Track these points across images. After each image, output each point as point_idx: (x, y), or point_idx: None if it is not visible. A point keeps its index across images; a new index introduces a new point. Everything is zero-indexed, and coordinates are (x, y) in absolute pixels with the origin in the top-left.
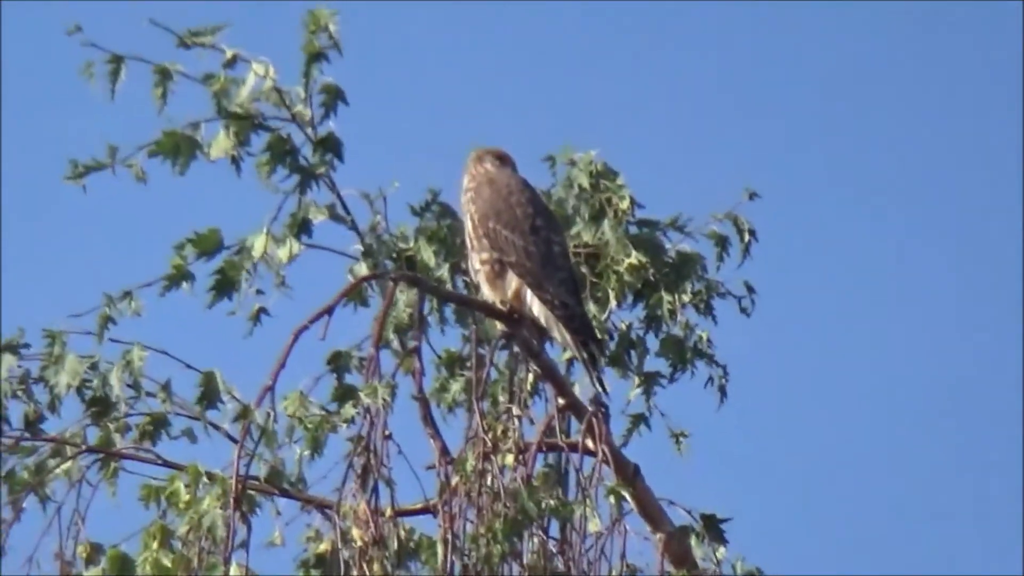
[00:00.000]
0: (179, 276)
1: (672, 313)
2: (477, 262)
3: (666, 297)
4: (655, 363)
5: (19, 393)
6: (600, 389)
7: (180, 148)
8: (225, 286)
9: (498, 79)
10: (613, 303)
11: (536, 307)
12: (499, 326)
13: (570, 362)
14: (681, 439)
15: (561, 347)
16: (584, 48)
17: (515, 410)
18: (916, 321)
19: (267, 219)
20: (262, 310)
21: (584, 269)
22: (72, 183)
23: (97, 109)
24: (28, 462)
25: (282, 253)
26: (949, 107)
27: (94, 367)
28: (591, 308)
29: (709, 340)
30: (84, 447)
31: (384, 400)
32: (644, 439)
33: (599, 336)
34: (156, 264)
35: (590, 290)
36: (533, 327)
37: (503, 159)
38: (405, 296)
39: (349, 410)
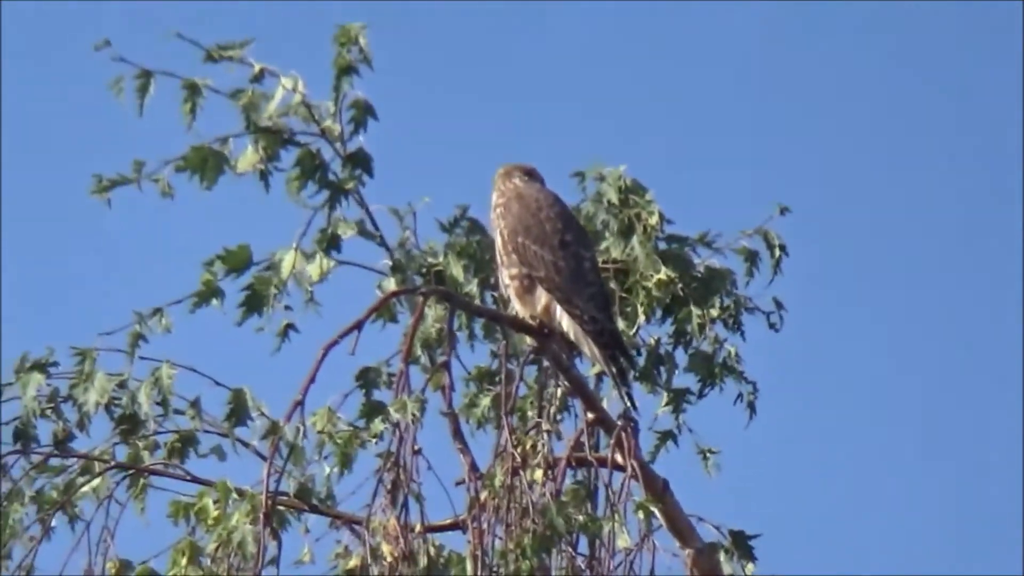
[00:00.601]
0: (209, 293)
1: (701, 328)
2: (507, 277)
3: (695, 312)
4: (684, 379)
5: (48, 412)
6: (629, 404)
7: (208, 163)
8: (255, 302)
9: (527, 94)
10: (642, 318)
11: (565, 322)
12: (529, 341)
13: (599, 377)
14: (709, 455)
15: (590, 362)
16: (613, 63)
17: (544, 425)
18: (948, 336)
19: (296, 235)
20: (290, 326)
21: (613, 284)
22: (96, 198)
23: (125, 123)
24: (57, 481)
25: (312, 270)
26: (983, 120)
27: (123, 385)
28: (620, 323)
29: (738, 356)
30: (113, 463)
31: (414, 415)
32: (673, 454)
33: (629, 351)
34: (184, 281)
35: (619, 305)
36: (563, 342)
37: (531, 174)
38: (433, 311)
39: (378, 425)
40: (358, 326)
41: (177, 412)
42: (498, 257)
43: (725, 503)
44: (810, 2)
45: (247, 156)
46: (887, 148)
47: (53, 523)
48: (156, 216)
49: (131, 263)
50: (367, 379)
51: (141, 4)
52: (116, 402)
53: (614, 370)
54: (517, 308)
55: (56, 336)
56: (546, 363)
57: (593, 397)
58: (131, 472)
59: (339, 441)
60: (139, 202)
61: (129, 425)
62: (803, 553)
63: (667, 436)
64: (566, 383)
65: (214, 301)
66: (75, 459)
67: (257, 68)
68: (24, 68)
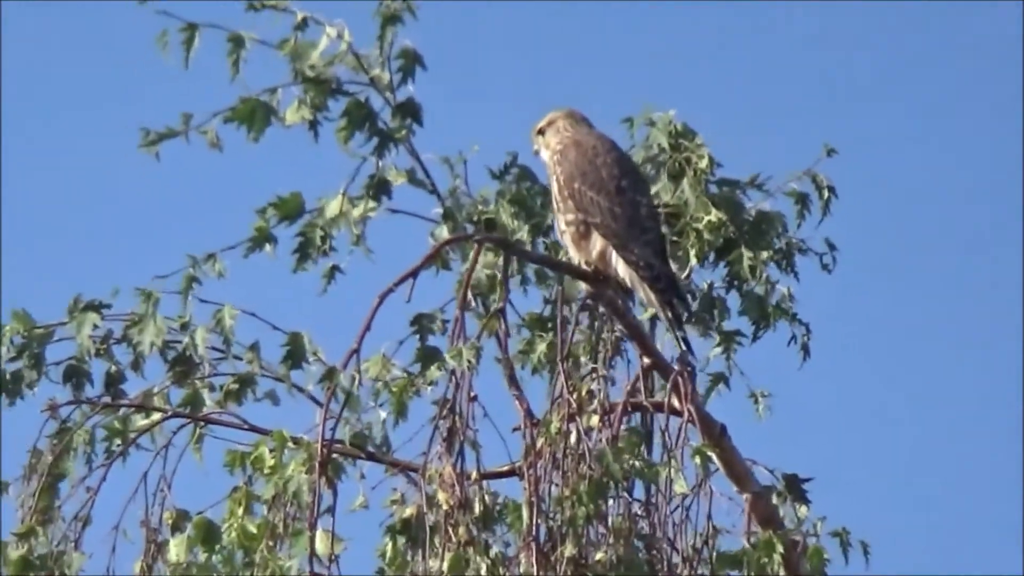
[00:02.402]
0: (262, 238)
1: (753, 270)
2: (563, 223)
3: (747, 254)
4: (737, 322)
5: (101, 352)
6: (686, 348)
7: (256, 115)
8: (308, 248)
9: (575, 40)
10: (693, 261)
11: (621, 268)
12: (583, 287)
13: (652, 322)
14: (760, 399)
15: (644, 306)
16: (661, 7)
17: (600, 370)
18: (1002, 274)
19: (344, 182)
20: (336, 268)
21: (664, 229)
22: (145, 151)
23: (173, 77)
24: (117, 415)
25: (357, 212)
26: None
27: (184, 327)
28: (672, 267)
29: (791, 296)
30: (170, 411)
31: (469, 362)
32: (726, 399)
33: (684, 296)
34: (236, 233)
35: (671, 250)
36: (619, 287)
37: (583, 119)
38: (484, 258)
39: (434, 372)
40: (413, 274)
41: (236, 357)
42: (554, 203)
43: (780, 446)
44: None
45: (295, 107)
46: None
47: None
48: (206, 167)
49: (182, 215)
50: (421, 325)
51: None
52: (170, 344)
53: (669, 315)
54: (572, 254)
55: (109, 286)
56: (601, 309)
57: (649, 342)
58: (188, 420)
59: (395, 389)
60: (188, 154)
61: (183, 367)
62: (856, 497)
63: (719, 379)
64: (622, 328)
65: (267, 247)
66: (129, 401)
67: (300, 16)
68: (74, 24)
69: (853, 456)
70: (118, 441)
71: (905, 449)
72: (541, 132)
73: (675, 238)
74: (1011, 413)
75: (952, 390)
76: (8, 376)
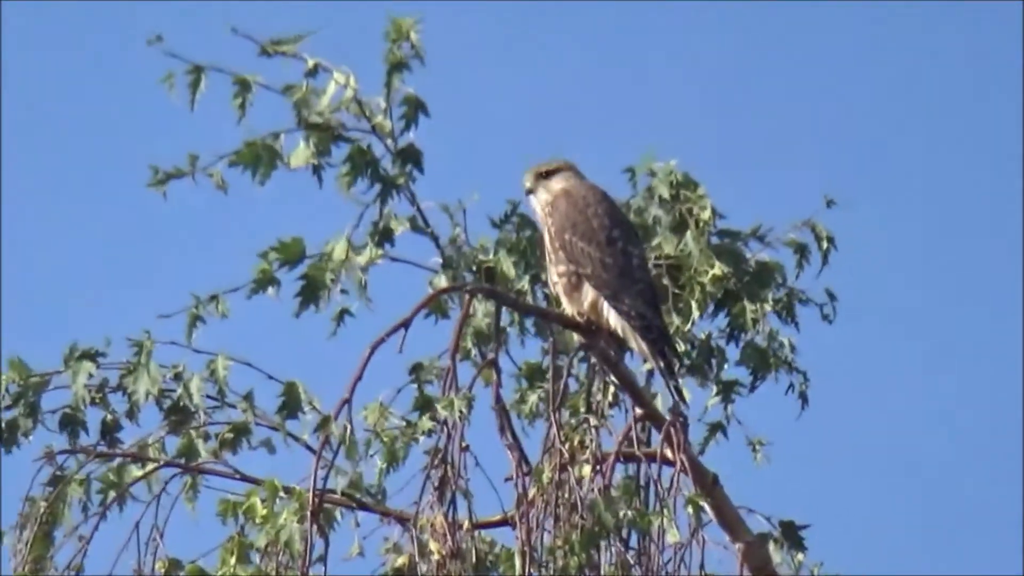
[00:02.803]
0: (265, 281)
1: (755, 322)
2: (555, 275)
3: (748, 306)
4: (735, 372)
5: (97, 400)
6: (678, 398)
7: (261, 158)
8: (311, 292)
9: (577, 89)
10: (696, 314)
11: (613, 318)
12: (577, 337)
13: (650, 373)
14: (759, 447)
15: (640, 358)
16: (663, 58)
17: (592, 420)
18: (1002, 325)
19: (348, 228)
20: (346, 311)
21: (666, 281)
22: (154, 190)
23: (180, 118)
24: (112, 465)
25: (361, 259)
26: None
27: (178, 376)
28: (674, 319)
29: (793, 346)
30: (164, 461)
31: (461, 412)
32: (723, 447)
33: (677, 346)
34: (237, 277)
35: (672, 301)
36: (611, 338)
37: (574, 169)
38: (483, 306)
39: (426, 423)
40: (405, 324)
41: (229, 405)
42: (546, 255)
43: (776, 494)
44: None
45: (299, 151)
46: (937, 135)
47: (103, 518)
48: (210, 210)
49: (185, 259)
50: (419, 374)
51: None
52: (166, 393)
53: (662, 365)
54: (565, 305)
55: (110, 328)
56: (593, 360)
57: (641, 392)
58: (182, 470)
59: (385, 439)
60: (194, 195)
61: (179, 416)
62: (854, 543)
63: (716, 428)
64: (614, 379)
65: (270, 290)
66: (124, 451)
67: (311, 63)
68: (81, 64)
69: (851, 503)
70: (112, 493)
71: (905, 496)
72: (547, 176)
73: (676, 290)
74: (1013, 457)
75: (951, 437)
76: (3, 424)
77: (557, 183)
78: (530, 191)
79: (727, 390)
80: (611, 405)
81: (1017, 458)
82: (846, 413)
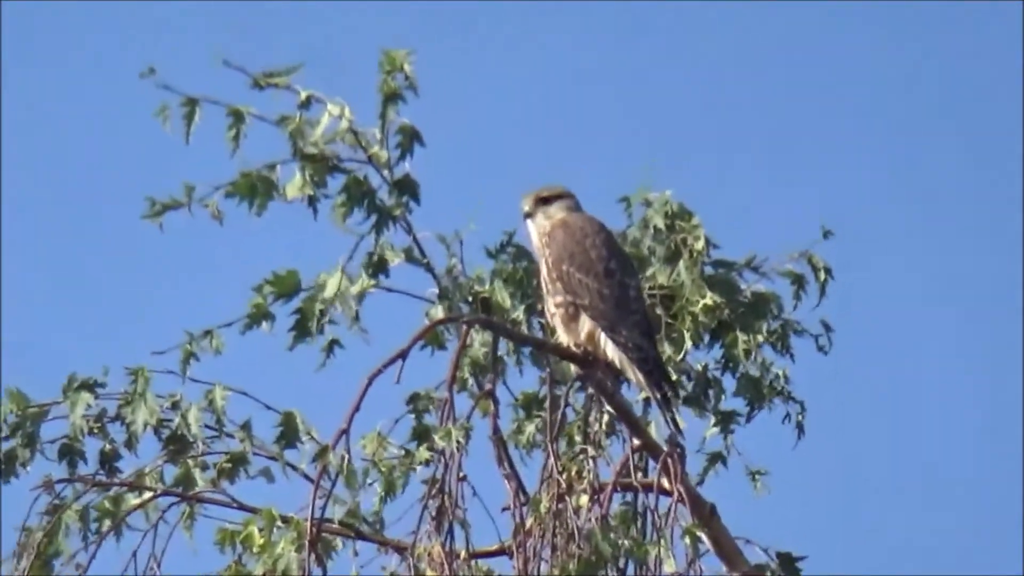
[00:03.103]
0: (259, 315)
1: (747, 353)
2: (552, 305)
3: (741, 337)
4: (733, 403)
5: (95, 431)
6: (675, 429)
7: (257, 189)
8: (305, 325)
9: (573, 119)
10: (689, 344)
11: (610, 349)
12: (573, 368)
13: (647, 403)
14: (758, 477)
15: (637, 388)
16: (659, 88)
17: (590, 450)
18: (995, 357)
19: (342, 259)
20: (335, 342)
21: (659, 311)
22: (150, 221)
23: (176, 150)
24: (108, 494)
25: (354, 290)
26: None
27: (175, 406)
28: (667, 349)
29: (787, 377)
30: (161, 490)
31: (458, 442)
32: (722, 477)
33: (673, 377)
34: (233, 307)
35: (665, 331)
36: (608, 369)
37: (574, 198)
38: (481, 336)
39: (423, 453)
40: (402, 355)
41: (227, 435)
42: (543, 285)
43: (774, 524)
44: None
45: (295, 182)
46: (932, 165)
47: (100, 546)
48: (205, 240)
49: (180, 289)
50: (417, 404)
51: (183, 35)
52: (165, 423)
53: (658, 396)
54: (561, 335)
55: (105, 360)
56: (590, 390)
57: (638, 423)
58: (180, 499)
59: (383, 469)
60: (189, 227)
61: (177, 446)
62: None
63: (716, 458)
64: (611, 410)
65: (264, 324)
66: (122, 480)
67: (304, 95)
68: (72, 95)
69: (847, 532)
70: (108, 522)
71: (901, 526)
72: (547, 201)
73: (670, 320)
74: (1012, 480)
75: (945, 467)
76: (2, 455)
77: (556, 210)
78: (529, 215)
79: (726, 421)
80: (608, 435)
81: (1017, 476)
82: (843, 442)
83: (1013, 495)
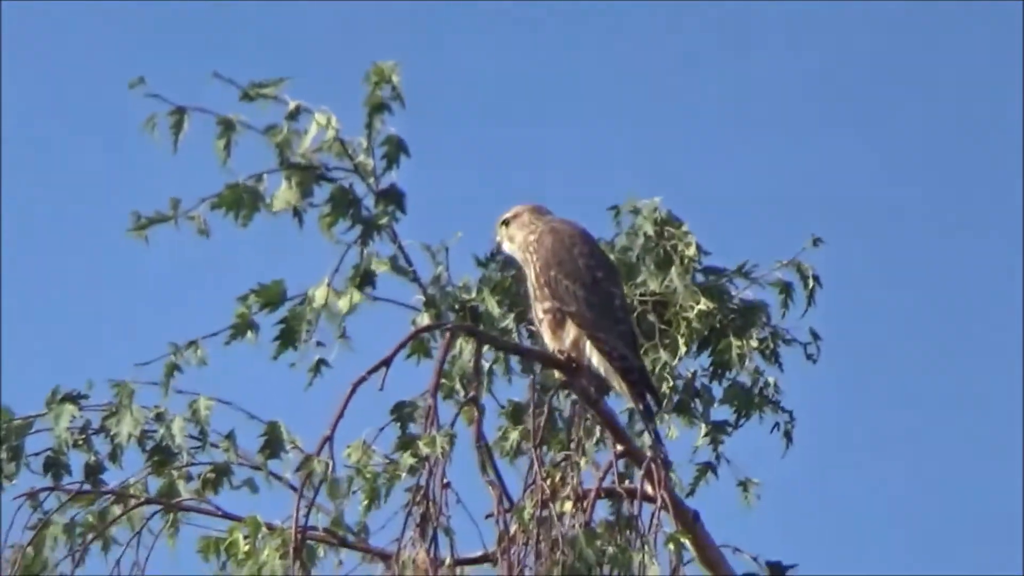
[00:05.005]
0: (244, 326)
1: (741, 358)
2: (540, 311)
3: (735, 343)
4: (721, 412)
5: (80, 443)
6: (655, 440)
7: (243, 201)
8: (289, 337)
9: (560, 129)
10: (683, 349)
11: (595, 357)
12: (558, 375)
13: (632, 411)
14: (748, 486)
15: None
16: (646, 98)
17: (574, 457)
18: (986, 367)
19: (329, 271)
20: (322, 362)
21: (652, 317)
22: (134, 236)
23: (161, 161)
24: (92, 509)
25: (342, 304)
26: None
27: (160, 417)
28: (662, 355)
29: (777, 386)
30: (145, 499)
31: (443, 450)
32: (710, 486)
33: (660, 387)
34: (218, 318)
35: (659, 337)
36: (592, 376)
37: (531, 211)
38: (470, 345)
39: (408, 460)
40: (386, 363)
41: (212, 445)
42: (531, 291)
43: (764, 533)
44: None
45: (282, 193)
46: (923, 172)
47: (82, 557)
48: (191, 252)
49: (166, 300)
50: (401, 413)
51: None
52: (149, 434)
53: (641, 407)
54: (549, 342)
55: (90, 372)
56: (573, 397)
57: (621, 430)
58: (163, 507)
59: (367, 476)
60: (174, 238)
61: (162, 457)
62: None
63: (707, 468)
64: (593, 417)
65: (249, 335)
66: (105, 490)
67: (292, 105)
68: (60, 105)
69: (838, 543)
70: (91, 535)
71: (891, 535)
72: (506, 224)
73: (663, 326)
74: (1011, 495)
75: (935, 475)
76: None
77: (516, 229)
78: (499, 243)
79: (716, 430)
80: (593, 442)
81: (1017, 477)
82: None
83: (1013, 498)
